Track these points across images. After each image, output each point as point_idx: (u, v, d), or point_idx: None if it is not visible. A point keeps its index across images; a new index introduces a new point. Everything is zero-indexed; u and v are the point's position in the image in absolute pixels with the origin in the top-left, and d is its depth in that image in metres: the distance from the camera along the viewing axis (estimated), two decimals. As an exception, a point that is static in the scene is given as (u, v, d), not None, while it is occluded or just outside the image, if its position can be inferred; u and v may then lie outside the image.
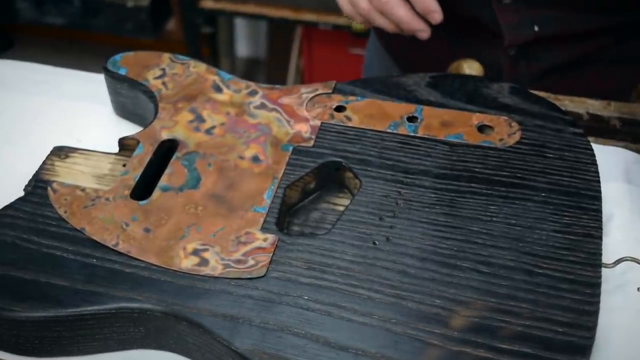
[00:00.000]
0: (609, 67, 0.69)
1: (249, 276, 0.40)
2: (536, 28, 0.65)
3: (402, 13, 0.61)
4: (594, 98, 0.61)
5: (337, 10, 0.73)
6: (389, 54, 0.81)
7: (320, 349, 0.37)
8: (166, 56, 0.56)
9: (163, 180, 0.46)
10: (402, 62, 0.80)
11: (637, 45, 0.69)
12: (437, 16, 0.60)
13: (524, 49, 0.67)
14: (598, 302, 0.39)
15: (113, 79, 0.55)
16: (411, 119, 0.50)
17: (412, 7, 0.61)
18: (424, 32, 0.62)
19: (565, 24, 0.65)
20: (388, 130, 0.49)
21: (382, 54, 0.83)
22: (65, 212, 0.44)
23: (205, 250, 0.42)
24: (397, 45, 0.79)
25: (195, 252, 0.42)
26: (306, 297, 0.39)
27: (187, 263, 0.41)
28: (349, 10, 0.65)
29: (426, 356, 0.37)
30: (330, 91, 0.53)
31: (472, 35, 0.69)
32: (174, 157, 0.48)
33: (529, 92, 0.52)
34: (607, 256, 0.44)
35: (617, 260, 0.43)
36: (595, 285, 0.40)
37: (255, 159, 0.48)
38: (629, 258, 0.43)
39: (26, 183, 0.48)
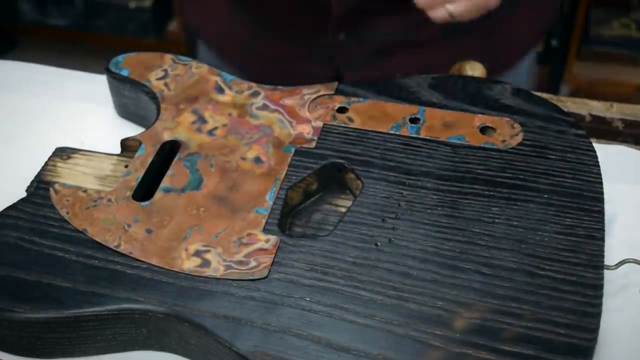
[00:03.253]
0: (441, 42, 0.71)
1: (251, 277, 0.40)
2: None
3: None
4: (597, 100, 0.61)
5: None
6: (225, 60, 0.81)
7: (322, 350, 0.37)
8: (168, 57, 0.56)
9: (165, 182, 0.46)
10: (241, 67, 0.79)
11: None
12: None
13: (353, 32, 0.68)
14: (600, 304, 0.39)
15: (115, 80, 0.55)
16: (413, 120, 0.50)
17: None
18: None
19: None
20: (390, 132, 0.49)
21: (217, 67, 0.82)
22: (67, 213, 0.44)
23: (207, 251, 0.42)
24: (233, 51, 0.79)
25: (197, 254, 0.42)
26: (308, 299, 0.39)
27: (189, 264, 0.41)
28: None
29: (428, 358, 0.37)
30: (332, 92, 0.53)
31: (301, 28, 0.70)
32: (176, 158, 0.48)
33: (531, 93, 0.52)
34: (610, 258, 0.44)
35: (619, 262, 0.43)
36: (597, 287, 0.40)
37: (257, 160, 0.48)
38: (631, 260, 0.43)
39: (28, 184, 0.48)
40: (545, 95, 0.57)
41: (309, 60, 0.73)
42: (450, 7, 0.59)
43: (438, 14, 0.60)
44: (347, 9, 0.68)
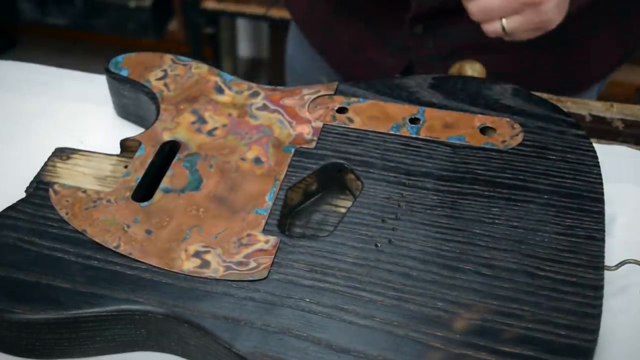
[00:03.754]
0: (519, 51, 0.69)
1: (250, 278, 0.40)
2: None
3: None
4: (597, 100, 0.61)
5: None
6: (308, 40, 0.81)
7: (322, 351, 0.37)
8: (168, 57, 0.56)
9: (164, 182, 0.46)
10: (320, 48, 0.80)
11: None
12: None
13: (431, 26, 0.67)
14: (600, 305, 0.39)
15: (115, 80, 0.55)
16: (413, 120, 0.50)
17: None
18: None
19: None
20: (390, 132, 0.49)
21: (304, 45, 0.83)
22: (67, 213, 0.44)
23: (207, 252, 0.42)
24: (313, 31, 0.79)
25: (197, 254, 0.42)
26: (308, 300, 0.39)
27: (188, 265, 0.41)
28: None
29: (428, 359, 0.37)
30: (332, 92, 0.53)
31: (379, 15, 0.69)
32: (175, 159, 0.48)
33: (531, 93, 0.52)
34: (610, 258, 0.44)
35: (619, 263, 0.43)
36: (597, 288, 0.40)
37: (257, 160, 0.48)
38: (631, 260, 0.43)
39: (28, 184, 0.48)
40: (545, 95, 0.57)
41: (384, 49, 0.73)
42: (504, 22, 0.57)
43: (491, 27, 0.58)
44: (424, 8, 0.67)
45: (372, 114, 0.51)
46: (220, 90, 0.53)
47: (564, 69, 0.73)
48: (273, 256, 0.42)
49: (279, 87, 0.54)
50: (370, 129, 0.50)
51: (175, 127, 0.50)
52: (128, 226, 0.44)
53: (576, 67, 0.73)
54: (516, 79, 0.56)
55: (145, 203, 0.45)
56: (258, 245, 0.42)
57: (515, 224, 0.43)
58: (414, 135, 0.49)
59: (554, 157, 0.47)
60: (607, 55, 0.75)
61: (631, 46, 0.77)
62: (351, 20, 0.73)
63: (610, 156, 0.52)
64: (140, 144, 0.49)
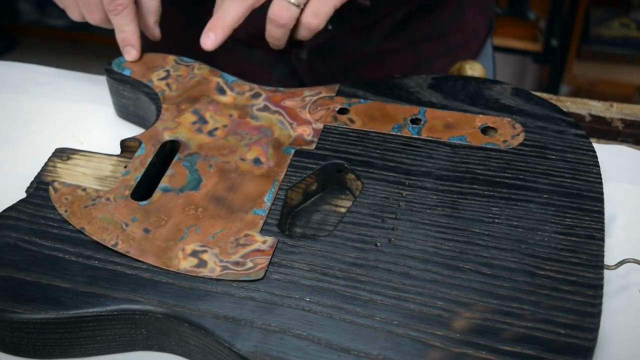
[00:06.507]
0: (404, 50, 0.71)
1: (247, 278, 0.40)
2: (330, 27, 0.66)
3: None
4: (597, 100, 0.61)
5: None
6: None
7: (322, 350, 0.37)
8: (171, 58, 0.56)
9: (164, 181, 0.46)
10: None
11: (422, 25, 0.71)
12: (133, 53, 0.56)
13: (316, 50, 0.68)
14: (600, 304, 0.39)
15: (115, 80, 0.55)
16: (415, 120, 0.50)
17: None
18: (132, 50, 0.55)
19: (358, 18, 0.66)
20: (391, 132, 0.49)
21: None
22: (66, 211, 0.44)
23: (204, 251, 0.42)
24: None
25: (194, 254, 0.42)
26: (308, 299, 0.39)
27: (185, 264, 0.41)
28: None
29: (428, 358, 0.37)
30: (333, 94, 0.53)
31: (265, 48, 0.70)
32: (175, 158, 0.48)
33: (531, 93, 0.52)
34: (610, 258, 0.44)
35: (619, 262, 0.43)
36: (597, 287, 0.40)
37: (257, 161, 0.48)
38: (631, 260, 0.43)
39: (28, 185, 0.48)
40: (545, 95, 0.57)
41: (272, 75, 0.73)
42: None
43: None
44: (319, 41, 0.67)
45: (373, 114, 0.51)
46: (221, 91, 0.54)
47: (450, 50, 0.74)
48: (270, 257, 0.42)
49: (280, 89, 0.54)
50: (371, 130, 0.50)
51: (176, 126, 0.51)
52: (126, 225, 0.44)
53: (458, 45, 0.75)
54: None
55: (144, 202, 0.45)
56: (255, 246, 0.42)
57: (515, 223, 0.43)
58: (415, 136, 0.49)
59: (553, 157, 0.47)
60: (478, 26, 0.77)
61: (491, 14, 0.80)
62: (233, 54, 0.72)
63: (610, 156, 0.52)
64: (140, 143, 0.49)
